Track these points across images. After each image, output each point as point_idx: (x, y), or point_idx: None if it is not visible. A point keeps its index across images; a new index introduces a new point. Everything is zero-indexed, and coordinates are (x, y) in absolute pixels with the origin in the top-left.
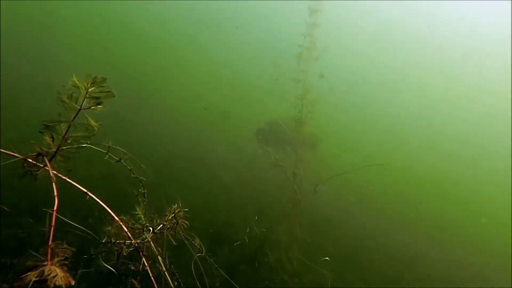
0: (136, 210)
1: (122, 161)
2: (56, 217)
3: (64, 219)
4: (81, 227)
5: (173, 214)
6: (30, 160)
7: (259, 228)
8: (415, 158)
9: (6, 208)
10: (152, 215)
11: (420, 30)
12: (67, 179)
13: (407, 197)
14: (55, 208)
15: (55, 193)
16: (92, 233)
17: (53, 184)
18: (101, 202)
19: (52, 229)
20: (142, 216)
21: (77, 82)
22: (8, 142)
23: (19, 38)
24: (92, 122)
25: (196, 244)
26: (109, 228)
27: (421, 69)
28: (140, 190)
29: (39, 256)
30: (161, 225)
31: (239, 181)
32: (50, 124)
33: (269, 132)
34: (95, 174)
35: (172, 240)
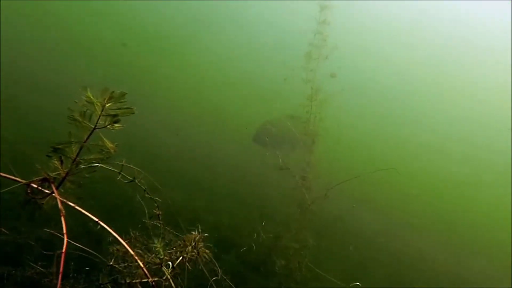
0: (145, 224)
1: (137, 180)
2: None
3: (69, 240)
4: (83, 247)
5: (194, 244)
6: (35, 186)
7: (266, 234)
8: (430, 161)
9: (5, 231)
10: (168, 240)
11: (437, 29)
12: (77, 207)
13: (424, 202)
14: (63, 249)
15: (64, 230)
16: (98, 254)
17: (62, 218)
18: (115, 234)
19: (60, 276)
20: (160, 250)
21: (91, 97)
22: (6, 142)
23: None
24: (108, 143)
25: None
26: (122, 266)
27: (437, 69)
28: (154, 211)
29: (38, 267)
30: (181, 257)
31: (242, 183)
32: (59, 146)
33: (274, 133)
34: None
35: (188, 265)
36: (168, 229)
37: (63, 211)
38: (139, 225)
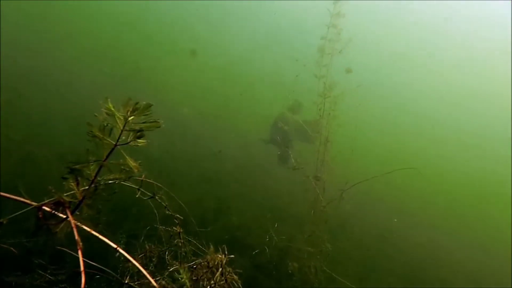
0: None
1: (157, 197)
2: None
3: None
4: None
5: (221, 269)
6: (47, 209)
7: (279, 236)
8: (453, 161)
9: (14, 250)
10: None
11: (453, 25)
12: (95, 233)
13: (444, 202)
14: (82, 286)
15: (82, 267)
16: (113, 273)
17: (79, 251)
18: (136, 263)
19: None
20: (187, 281)
21: (113, 109)
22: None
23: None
24: (131, 162)
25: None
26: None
27: (455, 66)
28: (175, 228)
29: (47, 276)
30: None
31: (252, 183)
32: (76, 166)
33: (285, 131)
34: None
35: None
36: (186, 237)
37: (81, 244)
38: (148, 227)
